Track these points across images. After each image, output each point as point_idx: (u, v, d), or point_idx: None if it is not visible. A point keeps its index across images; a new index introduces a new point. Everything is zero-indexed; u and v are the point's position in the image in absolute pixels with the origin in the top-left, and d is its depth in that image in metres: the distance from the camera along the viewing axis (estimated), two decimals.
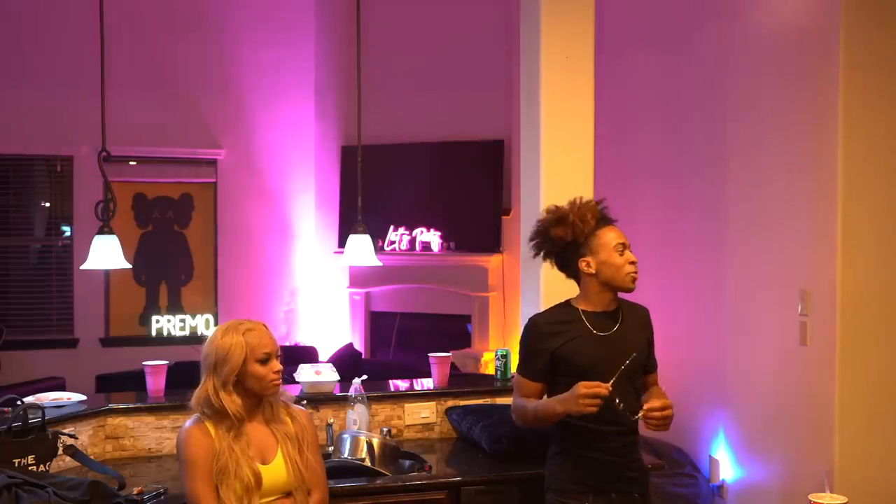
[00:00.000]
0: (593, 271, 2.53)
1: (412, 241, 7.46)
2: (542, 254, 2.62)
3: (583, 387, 2.34)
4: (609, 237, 2.55)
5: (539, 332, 2.57)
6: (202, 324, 7.81)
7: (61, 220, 7.65)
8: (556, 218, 2.56)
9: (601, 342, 2.53)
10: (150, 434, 3.22)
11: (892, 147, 3.45)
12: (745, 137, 4.20)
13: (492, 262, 7.19)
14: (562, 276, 2.64)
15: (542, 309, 3.54)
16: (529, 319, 2.64)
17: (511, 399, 3.52)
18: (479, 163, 7.38)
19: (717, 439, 4.46)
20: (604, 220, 2.58)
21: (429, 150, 7.52)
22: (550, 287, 3.48)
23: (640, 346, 2.59)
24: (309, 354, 6.06)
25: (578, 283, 2.60)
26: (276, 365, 2.47)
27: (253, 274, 7.91)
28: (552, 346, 2.53)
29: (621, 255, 2.53)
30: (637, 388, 2.60)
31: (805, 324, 3.63)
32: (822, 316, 3.52)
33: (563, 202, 2.63)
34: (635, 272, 2.55)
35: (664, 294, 5.01)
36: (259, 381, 2.44)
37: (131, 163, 7.69)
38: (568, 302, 2.62)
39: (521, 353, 2.64)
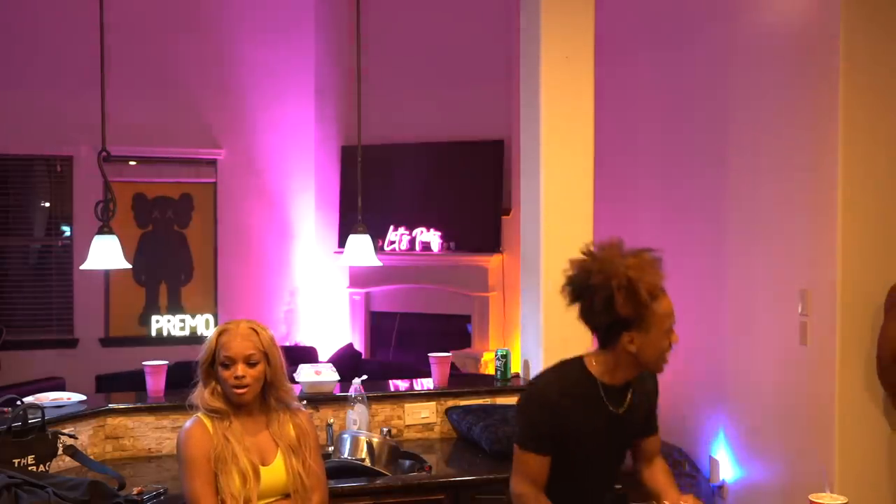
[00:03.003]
0: (634, 350, 2.14)
1: (412, 241, 7.45)
2: (582, 312, 2.18)
3: None
4: (664, 313, 2.13)
5: (552, 406, 2.15)
6: (202, 324, 7.81)
7: (61, 220, 7.65)
8: (624, 281, 2.07)
9: (611, 422, 2.21)
10: (149, 434, 3.22)
11: (893, 147, 3.46)
12: (745, 137, 4.20)
13: (492, 262, 7.19)
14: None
15: (542, 308, 3.55)
16: (537, 387, 2.25)
17: (501, 400, 3.56)
18: (479, 163, 7.37)
19: (717, 439, 4.46)
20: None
21: (429, 150, 7.52)
22: (550, 287, 3.49)
23: (640, 425, 2.31)
24: (309, 354, 6.07)
25: (602, 346, 2.21)
26: (239, 370, 2.39)
27: (253, 274, 7.91)
28: (566, 425, 2.15)
29: (668, 336, 2.15)
30: (624, 453, 2.33)
31: (805, 324, 3.63)
32: (822, 316, 3.52)
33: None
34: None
35: None
36: (224, 384, 2.43)
37: (131, 163, 7.69)
38: (583, 364, 2.22)
39: (524, 425, 2.21)
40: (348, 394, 3.29)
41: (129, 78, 6.15)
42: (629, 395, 2.23)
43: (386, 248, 7.40)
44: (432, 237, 7.39)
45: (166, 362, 3.43)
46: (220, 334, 2.45)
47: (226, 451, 2.36)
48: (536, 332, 3.60)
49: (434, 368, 3.63)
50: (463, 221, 7.36)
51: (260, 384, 2.45)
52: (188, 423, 2.44)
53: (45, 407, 2.88)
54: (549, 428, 2.15)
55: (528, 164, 3.67)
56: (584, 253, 2.19)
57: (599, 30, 3.59)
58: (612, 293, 2.07)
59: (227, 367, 2.41)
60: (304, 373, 3.49)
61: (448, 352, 3.75)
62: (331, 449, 3.11)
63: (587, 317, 2.17)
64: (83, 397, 3.24)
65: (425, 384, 3.63)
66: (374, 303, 7.85)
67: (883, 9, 3.42)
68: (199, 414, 2.45)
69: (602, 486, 2.27)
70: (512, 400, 3.53)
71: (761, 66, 4.03)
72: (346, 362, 5.34)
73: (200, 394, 2.45)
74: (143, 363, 3.41)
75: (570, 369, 2.22)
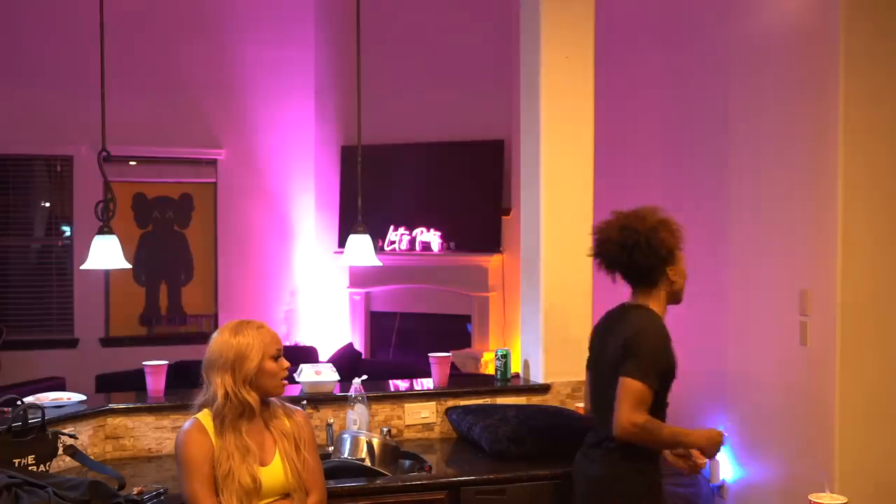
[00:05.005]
0: (674, 281, 2.58)
1: (412, 241, 7.45)
2: (632, 260, 2.54)
3: (721, 437, 2.51)
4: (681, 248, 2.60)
5: (668, 338, 2.50)
6: (202, 324, 7.81)
7: (61, 220, 7.66)
8: (659, 222, 2.54)
9: None
10: (149, 434, 3.22)
11: (892, 148, 3.46)
12: (745, 138, 4.20)
13: (492, 262, 7.19)
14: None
15: (542, 308, 3.55)
16: (658, 328, 2.53)
17: (501, 400, 3.56)
18: (479, 163, 7.38)
19: None
20: None
21: (429, 150, 7.52)
22: (550, 287, 3.51)
23: None
24: (309, 354, 6.06)
25: (646, 292, 2.59)
26: (286, 362, 2.51)
27: (253, 274, 7.91)
28: (673, 354, 2.51)
29: (685, 264, 2.61)
30: None
31: (805, 324, 3.63)
32: (822, 316, 3.52)
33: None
34: None
35: None
36: (272, 378, 2.46)
37: (131, 163, 7.69)
38: (649, 308, 2.58)
39: (653, 363, 2.48)
40: (348, 394, 3.28)
41: (129, 78, 6.15)
42: None
43: (386, 248, 7.40)
44: (432, 237, 7.39)
45: (166, 362, 3.43)
46: (258, 330, 2.47)
47: (228, 465, 2.37)
48: (536, 332, 3.59)
49: (434, 368, 3.63)
50: (463, 221, 7.36)
51: None
52: (186, 425, 2.44)
53: (45, 407, 2.87)
54: (669, 362, 2.48)
55: (528, 164, 3.67)
56: (609, 222, 2.58)
57: (599, 30, 3.59)
58: (658, 231, 2.50)
59: (277, 359, 2.48)
60: (305, 373, 3.49)
61: (448, 352, 3.75)
62: (331, 449, 3.11)
63: (644, 259, 2.50)
64: (83, 397, 3.24)
65: (425, 384, 3.63)
66: (374, 303, 7.85)
67: (883, 9, 3.42)
68: (198, 415, 2.45)
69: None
70: (512, 400, 3.53)
71: (762, 66, 4.03)
72: (346, 362, 5.34)
73: (224, 394, 2.39)
74: (143, 363, 3.40)
75: (652, 313, 2.55)
